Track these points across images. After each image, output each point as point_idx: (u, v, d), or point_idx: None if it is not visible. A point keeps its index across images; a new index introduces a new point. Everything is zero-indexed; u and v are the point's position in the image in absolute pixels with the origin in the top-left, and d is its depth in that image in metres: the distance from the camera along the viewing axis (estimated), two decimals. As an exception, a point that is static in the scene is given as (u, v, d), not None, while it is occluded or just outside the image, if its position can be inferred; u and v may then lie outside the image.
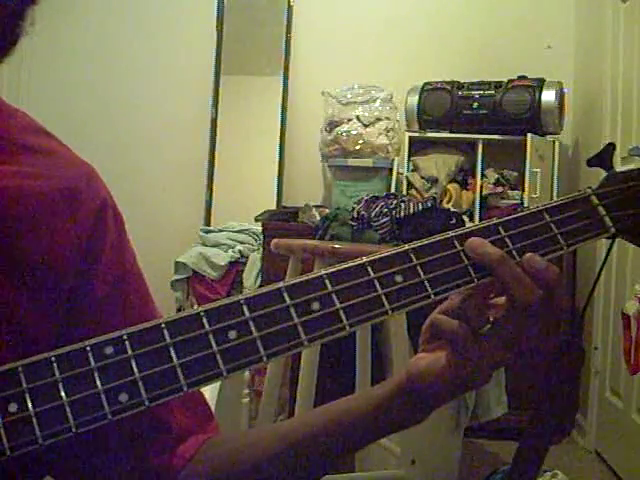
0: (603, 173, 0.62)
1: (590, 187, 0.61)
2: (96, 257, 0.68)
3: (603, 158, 0.62)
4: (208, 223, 3.74)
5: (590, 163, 0.62)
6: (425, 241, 0.57)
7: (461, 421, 2.34)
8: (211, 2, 3.88)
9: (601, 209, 0.60)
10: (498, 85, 3.45)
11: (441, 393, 0.60)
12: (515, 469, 0.57)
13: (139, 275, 0.74)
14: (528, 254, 0.58)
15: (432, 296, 0.56)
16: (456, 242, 0.58)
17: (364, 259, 0.55)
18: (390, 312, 0.54)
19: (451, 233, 0.58)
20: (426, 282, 0.56)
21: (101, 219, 0.70)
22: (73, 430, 0.48)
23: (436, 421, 2.16)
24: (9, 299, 0.62)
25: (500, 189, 3.53)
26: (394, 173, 3.55)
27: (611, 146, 0.63)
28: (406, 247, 0.57)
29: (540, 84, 3.39)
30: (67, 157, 0.71)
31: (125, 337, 0.50)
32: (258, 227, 3.34)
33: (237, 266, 3.34)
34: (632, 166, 0.60)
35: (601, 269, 0.67)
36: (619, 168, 0.61)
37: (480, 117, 3.44)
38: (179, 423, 0.71)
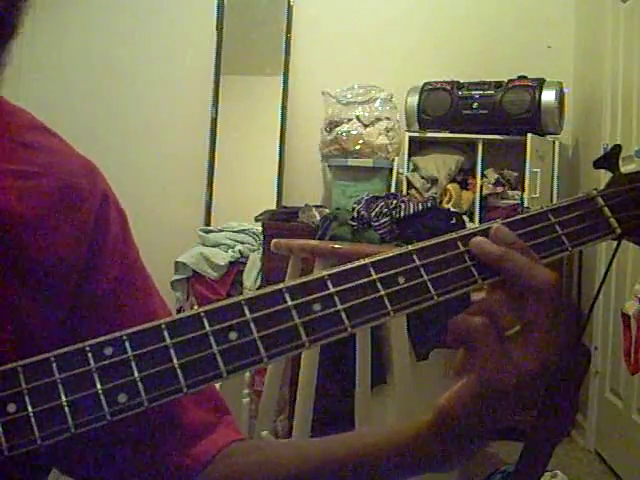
0: (604, 173, 0.62)
1: (595, 188, 0.60)
2: (100, 252, 0.68)
3: (609, 160, 0.61)
4: (208, 223, 3.74)
5: (596, 165, 0.62)
6: (428, 242, 0.56)
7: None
8: (211, 2, 3.88)
9: (607, 210, 0.59)
10: (498, 85, 3.46)
11: (471, 421, 0.56)
12: (520, 469, 0.56)
13: (143, 269, 0.74)
14: (495, 225, 0.57)
15: (435, 297, 0.55)
16: (459, 243, 0.57)
17: (366, 260, 0.55)
18: (392, 313, 0.54)
19: (454, 234, 0.57)
20: (429, 283, 0.55)
21: (103, 214, 0.69)
22: (72, 430, 0.47)
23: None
24: (13, 299, 0.61)
25: (500, 189, 3.53)
26: (394, 173, 3.55)
27: (617, 148, 0.62)
28: (409, 248, 0.56)
29: (540, 84, 3.39)
30: (67, 153, 0.71)
31: (125, 338, 0.50)
32: (258, 227, 3.34)
33: (237, 266, 3.34)
34: (634, 166, 0.59)
35: (607, 270, 0.66)
36: (624, 169, 0.61)
37: (480, 117, 3.44)
38: (192, 418, 0.70)
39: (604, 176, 0.62)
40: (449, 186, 3.53)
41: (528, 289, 0.55)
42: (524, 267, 0.55)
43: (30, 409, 0.47)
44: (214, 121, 3.84)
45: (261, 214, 3.42)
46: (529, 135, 3.32)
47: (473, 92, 3.47)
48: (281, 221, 3.28)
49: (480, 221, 3.41)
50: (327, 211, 3.21)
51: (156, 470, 0.69)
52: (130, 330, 0.50)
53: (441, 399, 0.57)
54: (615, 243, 0.60)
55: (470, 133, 3.51)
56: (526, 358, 0.54)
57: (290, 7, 3.87)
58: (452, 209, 3.29)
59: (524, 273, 0.55)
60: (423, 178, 3.55)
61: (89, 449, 0.64)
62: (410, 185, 3.55)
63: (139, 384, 0.49)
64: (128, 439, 0.66)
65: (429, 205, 2.93)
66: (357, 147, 3.50)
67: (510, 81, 3.45)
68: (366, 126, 3.52)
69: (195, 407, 0.71)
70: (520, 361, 0.54)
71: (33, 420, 0.47)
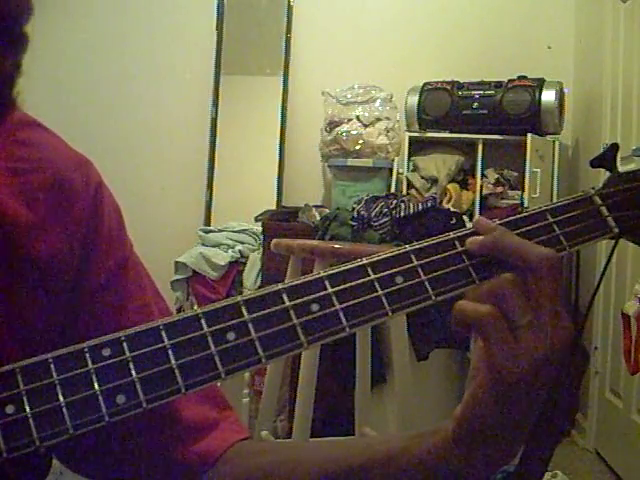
0: (604, 173, 0.62)
1: (593, 187, 0.60)
2: (94, 245, 0.68)
3: (607, 159, 0.61)
4: (208, 223, 3.74)
5: (593, 164, 0.62)
6: (426, 242, 0.56)
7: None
8: (211, 2, 3.88)
9: (604, 209, 0.59)
10: (498, 85, 3.45)
11: (490, 421, 0.54)
12: (521, 469, 0.56)
13: (137, 263, 0.74)
14: (477, 217, 0.58)
15: (433, 297, 0.55)
16: (457, 243, 0.57)
17: (364, 260, 0.55)
18: (390, 313, 0.54)
19: (452, 234, 0.57)
20: (427, 283, 0.55)
21: (96, 208, 0.69)
22: (70, 432, 0.47)
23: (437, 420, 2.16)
24: (11, 297, 0.61)
25: (500, 189, 3.53)
26: (394, 173, 3.55)
27: (615, 147, 0.62)
28: (407, 248, 0.56)
29: (540, 84, 3.38)
30: (60, 149, 0.71)
31: (123, 338, 0.50)
32: (258, 227, 3.33)
33: (237, 266, 3.34)
34: (633, 166, 0.59)
35: (604, 270, 0.66)
36: (622, 168, 0.61)
37: (480, 117, 3.44)
38: (192, 414, 0.70)
39: (604, 176, 0.62)
40: (449, 186, 3.53)
41: (527, 267, 0.54)
42: (518, 246, 0.55)
43: (28, 410, 0.47)
44: (214, 121, 3.83)
45: (261, 214, 3.42)
46: (529, 135, 3.32)
47: (473, 92, 3.47)
48: (281, 221, 3.28)
49: (480, 221, 3.40)
50: (327, 211, 3.21)
51: (159, 465, 0.68)
52: (128, 331, 0.50)
53: (458, 406, 0.56)
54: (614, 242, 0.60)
55: (470, 133, 3.51)
56: (535, 341, 0.53)
57: (290, 7, 3.87)
58: (452, 209, 3.29)
59: (520, 252, 0.54)
60: (423, 178, 3.55)
61: (88, 443, 0.64)
62: (410, 185, 3.55)
63: (137, 385, 0.49)
64: (127, 434, 0.66)
65: (429, 205, 2.93)
66: (357, 147, 3.49)
67: (510, 81, 3.45)
68: (366, 126, 3.52)
69: (195, 403, 0.70)
70: (529, 344, 0.53)
71: (31, 422, 0.47)
